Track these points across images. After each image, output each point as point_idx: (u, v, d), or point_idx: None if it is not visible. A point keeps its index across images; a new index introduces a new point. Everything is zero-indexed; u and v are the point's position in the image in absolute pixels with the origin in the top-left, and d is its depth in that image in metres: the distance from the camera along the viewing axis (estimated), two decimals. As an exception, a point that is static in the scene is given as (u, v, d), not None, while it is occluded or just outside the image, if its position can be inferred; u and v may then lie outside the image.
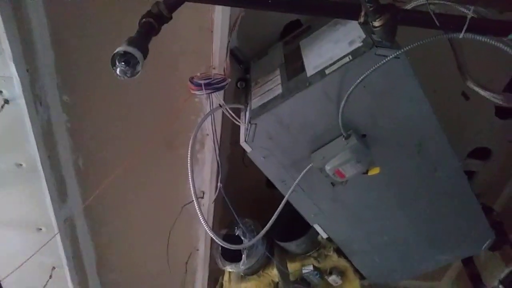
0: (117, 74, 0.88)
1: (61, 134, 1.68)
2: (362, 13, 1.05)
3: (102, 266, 2.25)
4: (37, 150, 1.58)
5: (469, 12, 1.06)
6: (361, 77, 1.18)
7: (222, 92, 1.49)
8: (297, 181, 1.46)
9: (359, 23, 1.13)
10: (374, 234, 1.80)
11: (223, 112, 1.57)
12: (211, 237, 1.41)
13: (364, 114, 1.36)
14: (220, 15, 1.37)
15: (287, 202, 1.51)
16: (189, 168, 1.35)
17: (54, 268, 2.08)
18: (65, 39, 1.47)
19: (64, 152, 1.74)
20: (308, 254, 2.04)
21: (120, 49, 0.87)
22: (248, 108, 1.47)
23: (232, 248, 1.49)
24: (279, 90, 1.38)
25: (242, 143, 1.43)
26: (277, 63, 1.51)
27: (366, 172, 1.44)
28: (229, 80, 1.47)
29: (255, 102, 1.44)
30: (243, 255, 1.94)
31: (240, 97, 1.61)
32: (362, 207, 1.68)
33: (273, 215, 1.45)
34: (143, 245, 2.25)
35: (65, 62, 1.51)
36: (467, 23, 1.04)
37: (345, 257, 1.96)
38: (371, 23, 1.04)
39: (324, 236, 1.81)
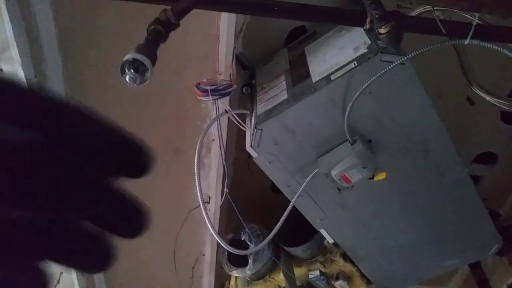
0: (127, 81, 0.89)
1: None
2: (368, 20, 1.06)
3: (109, 271, 2.25)
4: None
5: (474, 18, 1.07)
6: (367, 83, 1.19)
7: (228, 97, 1.50)
8: (303, 186, 1.47)
9: (365, 30, 1.14)
10: (381, 239, 1.80)
11: (229, 118, 1.58)
12: (218, 242, 1.42)
13: (370, 120, 1.36)
14: (226, 21, 1.38)
15: (293, 207, 1.52)
16: (196, 173, 1.36)
17: (61, 273, 2.09)
18: (73, 46, 1.48)
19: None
20: (315, 259, 2.04)
21: (129, 56, 0.88)
22: (253, 114, 1.48)
23: (238, 253, 1.50)
24: (284, 96, 1.39)
25: (248, 148, 1.44)
26: (282, 69, 1.52)
27: (372, 178, 1.44)
28: (235, 86, 1.48)
29: (261, 107, 1.45)
30: (249, 260, 1.94)
31: (246, 103, 1.62)
32: (368, 212, 1.68)
33: (278, 219, 1.46)
34: (149, 249, 2.26)
35: (72, 69, 1.53)
36: (472, 29, 1.05)
37: (352, 262, 1.96)
38: (377, 30, 1.05)
39: (331, 241, 1.81)
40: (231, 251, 1.41)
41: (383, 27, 1.03)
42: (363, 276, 1.99)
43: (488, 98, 1.30)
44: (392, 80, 1.24)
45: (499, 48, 1.09)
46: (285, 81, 1.45)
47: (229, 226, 2.14)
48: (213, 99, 1.45)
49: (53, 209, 0.25)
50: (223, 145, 1.67)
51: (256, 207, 2.11)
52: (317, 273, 1.98)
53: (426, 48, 1.11)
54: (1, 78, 0.26)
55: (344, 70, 1.26)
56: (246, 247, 1.93)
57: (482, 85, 1.30)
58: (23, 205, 0.24)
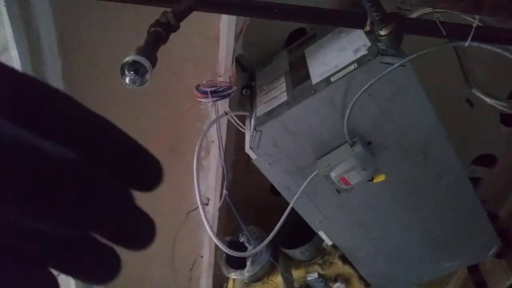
0: (126, 83, 0.88)
1: (68, 142, 1.69)
2: (368, 22, 1.06)
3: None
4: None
5: (474, 20, 1.07)
6: (367, 85, 1.19)
7: (227, 99, 1.50)
8: (302, 188, 1.46)
9: (365, 32, 1.13)
10: (379, 241, 1.80)
11: (228, 120, 1.58)
12: (216, 244, 1.42)
13: (370, 122, 1.36)
14: (226, 23, 1.38)
15: (292, 209, 1.52)
16: (195, 175, 1.36)
17: (58, 274, 2.08)
18: (73, 48, 1.48)
19: (70, 159, 1.74)
20: (313, 261, 2.04)
21: (129, 58, 0.88)
22: (253, 116, 1.47)
23: (236, 256, 1.49)
24: (284, 98, 1.39)
25: (247, 150, 1.44)
26: (282, 71, 1.52)
27: (372, 180, 1.44)
28: (235, 88, 1.48)
29: (260, 109, 1.45)
30: (247, 262, 1.94)
31: (245, 105, 1.62)
32: (367, 214, 1.68)
33: (277, 221, 1.46)
34: (147, 251, 2.24)
35: (72, 70, 1.52)
36: (472, 31, 1.05)
37: (350, 264, 1.95)
38: (377, 32, 1.05)
39: (329, 243, 1.81)
40: (229, 253, 1.40)
41: (383, 29, 1.03)
42: (361, 278, 1.99)
43: (487, 100, 1.30)
44: (392, 82, 1.24)
45: (499, 50, 1.09)
46: (285, 83, 1.45)
47: (228, 228, 2.14)
48: (212, 101, 1.44)
49: (71, 219, 0.25)
50: (222, 147, 1.67)
51: (255, 209, 2.11)
52: (316, 275, 1.98)
53: (426, 50, 1.11)
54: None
55: (344, 72, 1.26)
56: (244, 249, 1.93)
57: (482, 87, 1.30)
58: (41, 215, 0.24)
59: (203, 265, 2.32)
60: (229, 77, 1.50)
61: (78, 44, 1.49)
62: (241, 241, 1.98)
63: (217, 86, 1.43)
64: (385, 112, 1.33)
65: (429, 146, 1.44)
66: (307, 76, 1.38)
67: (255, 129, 1.39)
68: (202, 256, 2.29)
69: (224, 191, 1.71)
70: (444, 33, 1.03)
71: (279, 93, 1.43)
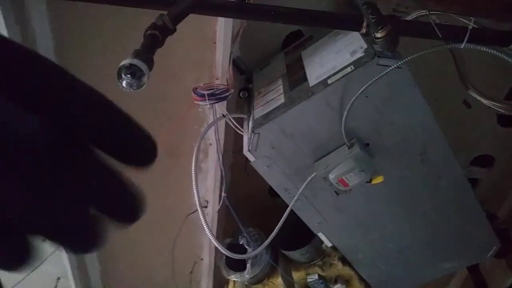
0: (123, 86, 0.89)
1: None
2: (364, 24, 1.07)
3: (107, 276, 2.25)
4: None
5: (470, 22, 1.08)
6: (363, 87, 1.19)
7: (225, 102, 1.50)
8: (301, 190, 1.47)
9: (361, 34, 1.14)
10: (379, 242, 1.80)
11: (226, 122, 1.58)
12: (216, 247, 1.42)
13: (367, 123, 1.37)
14: (223, 26, 1.39)
15: (291, 211, 1.52)
16: (193, 177, 1.36)
17: (59, 278, 2.08)
18: (68, 51, 1.48)
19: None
20: (313, 262, 2.04)
21: (125, 61, 0.88)
22: (251, 118, 1.48)
23: (236, 258, 1.50)
24: (281, 100, 1.40)
25: (245, 152, 1.44)
26: (279, 73, 1.53)
27: (370, 181, 1.44)
28: (232, 90, 1.49)
29: (258, 111, 1.45)
30: (247, 264, 1.94)
31: (243, 107, 1.62)
32: (366, 215, 1.68)
33: (276, 223, 1.46)
34: (147, 254, 2.25)
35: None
36: (468, 33, 1.05)
37: (350, 266, 1.96)
38: (373, 34, 1.05)
39: (329, 244, 1.81)
40: (229, 255, 1.40)
41: (379, 31, 1.03)
42: (361, 279, 1.99)
43: (484, 101, 1.30)
44: (388, 84, 1.25)
45: (495, 52, 1.09)
46: (282, 85, 1.45)
47: (228, 230, 2.14)
48: (210, 104, 1.45)
49: (55, 186, 0.25)
50: (220, 149, 1.68)
51: (254, 211, 2.11)
52: (316, 276, 1.98)
53: (423, 52, 1.11)
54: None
55: (341, 74, 1.26)
56: (244, 251, 1.93)
57: (479, 88, 1.30)
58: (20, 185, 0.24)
59: (203, 267, 2.32)
60: (227, 79, 1.50)
61: (74, 47, 1.49)
62: (240, 243, 1.98)
63: (214, 88, 1.43)
64: (382, 113, 1.34)
65: (427, 148, 1.44)
66: (304, 78, 1.38)
67: (253, 131, 1.40)
68: (202, 259, 2.29)
69: (223, 194, 1.71)
70: (440, 35, 1.03)
71: (276, 95, 1.44)
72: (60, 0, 1.33)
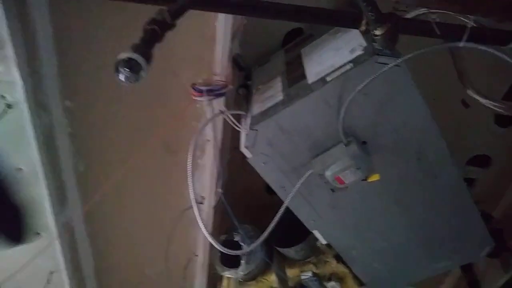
0: (121, 80, 0.88)
1: (62, 139, 1.68)
2: (364, 22, 1.07)
3: (100, 271, 2.24)
4: (38, 154, 1.58)
5: (469, 21, 1.08)
6: (362, 85, 1.19)
7: (223, 98, 1.50)
8: (297, 187, 1.47)
9: (360, 32, 1.14)
10: (373, 240, 1.80)
11: (224, 119, 1.58)
12: (210, 243, 1.42)
13: (365, 121, 1.37)
14: (223, 22, 1.38)
15: (287, 208, 1.52)
16: (189, 173, 1.36)
17: (52, 272, 2.07)
18: (68, 45, 1.48)
19: (64, 157, 1.74)
20: (307, 260, 2.04)
21: (123, 55, 0.88)
22: (249, 115, 1.48)
23: (231, 254, 1.50)
24: (280, 97, 1.39)
25: (243, 148, 1.44)
26: (279, 70, 1.52)
27: (366, 179, 1.44)
28: (231, 86, 1.48)
29: (256, 108, 1.45)
30: (242, 261, 1.94)
31: (241, 104, 1.62)
32: (361, 213, 1.68)
33: (272, 221, 1.46)
34: (141, 250, 2.25)
35: (68, 68, 1.52)
36: (467, 32, 1.05)
37: (344, 264, 1.96)
38: (372, 32, 1.05)
39: (324, 242, 1.81)
40: (223, 251, 1.41)
41: (378, 28, 1.03)
42: (355, 277, 2.00)
43: (482, 100, 1.31)
44: (387, 82, 1.25)
45: (494, 51, 1.10)
46: (281, 82, 1.45)
47: (223, 227, 2.14)
48: (208, 100, 1.45)
49: None
50: (217, 145, 1.67)
51: (250, 208, 2.11)
52: (310, 274, 1.98)
53: (421, 51, 1.11)
54: None
55: (340, 71, 1.26)
56: (239, 248, 1.93)
57: (477, 87, 1.31)
58: None
59: (197, 264, 2.32)
60: (225, 76, 1.50)
61: (75, 42, 1.48)
62: (236, 240, 1.98)
63: (213, 85, 1.43)
64: (380, 112, 1.34)
65: (423, 147, 1.44)
66: (303, 76, 1.38)
67: (250, 128, 1.39)
68: (196, 255, 2.29)
69: (219, 190, 1.71)
70: (439, 33, 1.03)
71: (275, 92, 1.44)
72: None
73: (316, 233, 1.77)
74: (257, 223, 2.02)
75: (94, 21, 1.44)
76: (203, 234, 1.40)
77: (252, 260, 1.98)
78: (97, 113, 1.67)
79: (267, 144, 1.42)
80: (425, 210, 1.67)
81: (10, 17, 1.27)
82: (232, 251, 1.47)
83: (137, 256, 2.28)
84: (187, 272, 2.34)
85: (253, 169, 1.50)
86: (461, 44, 1.08)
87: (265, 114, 1.38)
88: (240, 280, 2.13)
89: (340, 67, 1.27)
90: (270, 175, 1.52)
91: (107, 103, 1.65)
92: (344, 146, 1.37)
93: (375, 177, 1.45)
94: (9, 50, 1.31)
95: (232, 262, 1.99)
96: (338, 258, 1.96)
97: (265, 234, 1.46)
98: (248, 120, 1.45)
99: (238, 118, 1.54)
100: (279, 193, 1.57)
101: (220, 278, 2.25)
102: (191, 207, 1.37)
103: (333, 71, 1.28)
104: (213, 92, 1.43)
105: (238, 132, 1.50)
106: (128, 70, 0.87)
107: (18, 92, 1.41)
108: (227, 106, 1.55)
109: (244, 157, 1.47)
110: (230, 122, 1.50)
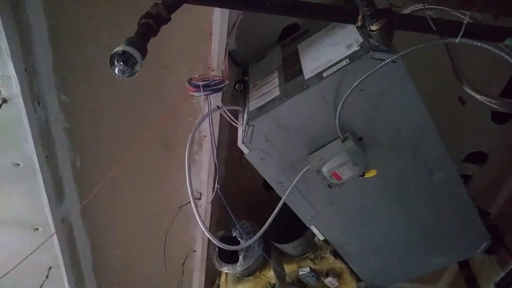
0: (116, 73, 0.88)
1: (59, 134, 1.69)
2: (360, 17, 1.06)
3: (99, 266, 2.25)
4: (35, 149, 1.58)
5: (465, 17, 1.08)
6: (358, 81, 1.19)
7: (220, 94, 1.50)
8: (294, 183, 1.47)
9: (357, 27, 1.13)
10: (370, 236, 1.81)
11: (221, 114, 1.58)
12: (208, 238, 1.42)
13: (361, 117, 1.37)
14: (219, 17, 1.38)
15: (284, 204, 1.52)
16: (186, 169, 1.36)
17: (50, 268, 2.08)
18: (63, 39, 1.47)
19: (61, 152, 1.74)
20: (305, 256, 2.04)
21: (118, 48, 0.88)
22: (245, 110, 1.47)
23: (229, 249, 1.50)
24: (276, 93, 1.39)
25: (240, 144, 1.44)
26: (275, 66, 1.52)
27: (363, 175, 1.44)
28: (227, 82, 1.48)
29: (253, 104, 1.45)
30: (239, 257, 1.95)
31: (238, 99, 1.62)
32: (358, 209, 1.68)
33: (270, 216, 1.46)
34: (140, 245, 2.25)
35: (63, 62, 1.52)
36: (463, 28, 1.05)
37: (342, 259, 1.96)
38: (368, 27, 1.05)
39: (321, 238, 1.82)
40: (221, 246, 1.41)
41: (374, 24, 1.03)
42: (353, 273, 2.00)
43: (479, 97, 1.31)
44: (383, 78, 1.25)
45: (490, 47, 1.09)
46: (278, 78, 1.45)
47: (221, 222, 2.14)
48: (205, 95, 1.44)
49: None
50: (215, 141, 1.67)
51: (248, 204, 2.11)
52: (307, 269, 1.99)
53: (418, 46, 1.11)
54: None
55: (336, 67, 1.26)
56: (237, 243, 1.93)
57: (473, 84, 1.31)
58: None
59: (195, 259, 2.32)
60: (222, 71, 1.50)
61: (70, 36, 1.48)
62: (233, 235, 1.98)
63: (209, 80, 1.43)
64: (376, 107, 1.34)
65: (420, 143, 1.44)
66: (300, 71, 1.38)
67: (247, 123, 1.39)
68: (194, 251, 2.29)
69: (216, 185, 1.71)
70: (435, 29, 1.03)
71: (271, 88, 1.43)
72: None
73: (314, 229, 1.78)
74: (255, 219, 2.03)
75: (90, 15, 1.43)
76: (201, 230, 1.40)
77: (250, 255, 1.98)
78: (93, 108, 1.67)
79: (264, 140, 1.42)
80: (422, 206, 1.67)
81: (4, 10, 1.26)
82: (230, 247, 1.47)
83: (135, 251, 2.28)
84: (185, 267, 2.35)
85: (251, 165, 1.50)
86: (457, 40, 1.08)
87: (262, 109, 1.38)
88: (238, 275, 2.14)
89: (337, 62, 1.26)
90: (267, 171, 1.52)
91: (103, 98, 1.64)
92: (340, 142, 1.37)
93: (372, 173, 1.45)
94: (4, 44, 1.31)
95: (230, 257, 1.99)
96: (336, 254, 1.97)
97: (263, 229, 1.46)
98: (245, 116, 1.45)
99: (235, 113, 1.54)
100: (276, 189, 1.57)
101: (218, 273, 2.25)
102: (188, 202, 1.37)
103: (330, 67, 1.28)
104: (210, 87, 1.43)
105: (236, 128, 1.50)
106: (123, 63, 0.87)
107: (13, 87, 1.41)
108: (224, 101, 1.55)
109: (241, 153, 1.47)
110: (227, 118, 1.49)
